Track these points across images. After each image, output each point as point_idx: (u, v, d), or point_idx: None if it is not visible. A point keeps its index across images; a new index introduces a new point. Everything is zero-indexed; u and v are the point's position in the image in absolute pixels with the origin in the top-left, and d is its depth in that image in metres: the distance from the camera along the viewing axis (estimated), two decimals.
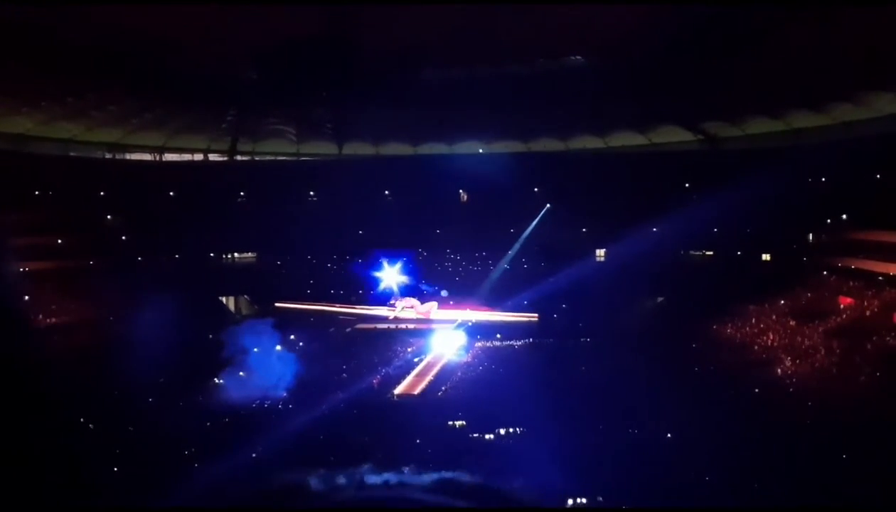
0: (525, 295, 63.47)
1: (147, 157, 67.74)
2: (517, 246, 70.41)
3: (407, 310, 64.15)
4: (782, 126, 61.15)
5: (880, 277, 49.62)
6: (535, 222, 68.37)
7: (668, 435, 30.40)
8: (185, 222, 62.53)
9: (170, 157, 68.46)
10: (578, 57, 49.64)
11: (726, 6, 37.00)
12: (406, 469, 26.81)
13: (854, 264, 53.55)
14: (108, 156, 64.87)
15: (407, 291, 69.93)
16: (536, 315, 59.33)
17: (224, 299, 67.34)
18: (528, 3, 36.61)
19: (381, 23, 36.63)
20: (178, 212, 64.12)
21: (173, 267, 63.63)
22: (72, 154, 61.25)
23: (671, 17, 38.87)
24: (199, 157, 69.85)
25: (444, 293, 66.97)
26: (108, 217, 63.37)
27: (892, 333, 41.19)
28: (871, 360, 38.33)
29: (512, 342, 54.59)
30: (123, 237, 62.81)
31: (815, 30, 38.25)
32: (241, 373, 43.34)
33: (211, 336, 51.21)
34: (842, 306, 48.75)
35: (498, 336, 55.38)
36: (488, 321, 61.17)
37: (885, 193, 54.42)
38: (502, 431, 31.98)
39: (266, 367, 43.86)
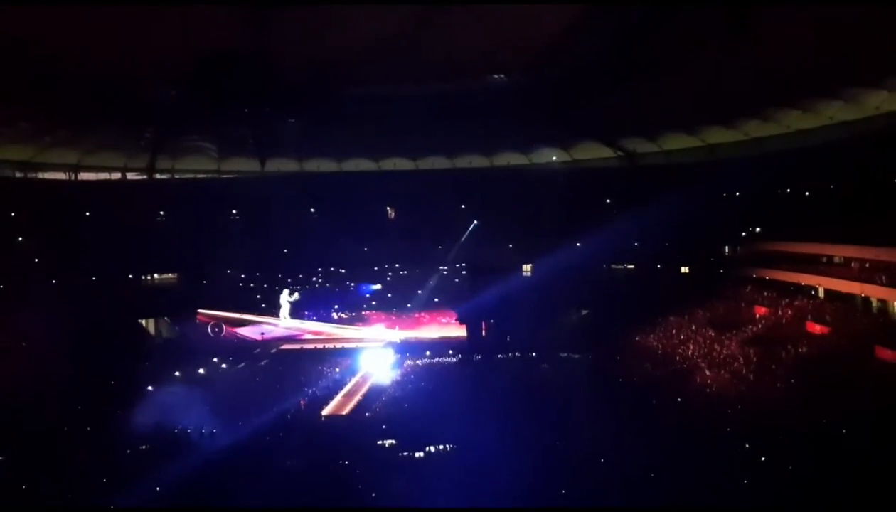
0: (453, 311, 63.92)
1: (61, 176, 65.39)
2: (445, 262, 70.78)
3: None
4: (697, 142, 63.25)
5: (792, 287, 51.75)
6: (462, 238, 68.89)
7: (593, 444, 30.67)
8: (102, 243, 60.39)
9: (85, 176, 66.26)
10: (501, 75, 50.35)
11: (642, 25, 38.09)
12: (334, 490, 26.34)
13: (768, 275, 55.69)
14: (18, 174, 62.31)
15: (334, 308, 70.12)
16: (465, 331, 59.48)
17: (143, 322, 65.19)
18: (450, 23, 36.91)
19: (303, 37, 36.19)
20: (94, 232, 61.86)
21: (90, 289, 61.24)
22: None
23: (589, 35, 39.83)
24: (116, 175, 67.83)
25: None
26: (20, 239, 60.58)
27: (806, 341, 42.88)
28: (786, 367, 39.70)
29: (441, 359, 54.38)
30: (36, 259, 60.02)
31: (727, 48, 39.64)
32: (162, 397, 42.01)
33: (130, 360, 49.74)
34: (757, 316, 50.50)
35: (427, 353, 55.12)
36: (417, 339, 61.01)
37: (795, 206, 56.93)
38: (432, 449, 31.82)
39: (188, 390, 42.64)
